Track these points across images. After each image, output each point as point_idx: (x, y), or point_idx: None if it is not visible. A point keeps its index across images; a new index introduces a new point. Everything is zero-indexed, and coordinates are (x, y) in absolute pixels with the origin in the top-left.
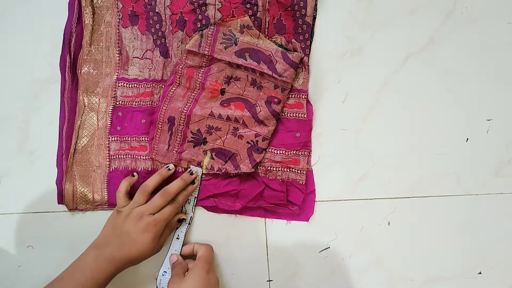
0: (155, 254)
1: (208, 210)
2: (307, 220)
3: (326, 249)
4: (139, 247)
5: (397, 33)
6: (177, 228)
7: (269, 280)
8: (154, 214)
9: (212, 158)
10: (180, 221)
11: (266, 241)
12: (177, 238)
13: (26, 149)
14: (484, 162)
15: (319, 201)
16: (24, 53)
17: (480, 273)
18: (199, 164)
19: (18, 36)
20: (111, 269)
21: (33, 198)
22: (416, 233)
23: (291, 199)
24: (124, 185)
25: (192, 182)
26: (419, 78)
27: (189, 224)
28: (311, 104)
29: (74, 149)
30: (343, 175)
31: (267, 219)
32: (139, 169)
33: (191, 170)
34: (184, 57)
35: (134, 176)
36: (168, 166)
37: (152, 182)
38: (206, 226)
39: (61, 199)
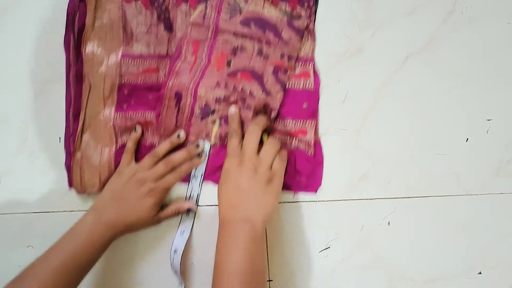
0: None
1: (216, 183)
2: (315, 191)
3: (326, 249)
4: (138, 213)
5: (397, 33)
6: (186, 214)
7: (269, 280)
8: (155, 181)
9: (220, 124)
10: (189, 211)
11: (266, 241)
12: (187, 215)
13: (26, 149)
14: (484, 162)
15: (319, 201)
16: (24, 53)
17: (480, 273)
18: (207, 136)
19: (18, 36)
20: (109, 234)
21: (33, 198)
22: (416, 233)
23: (299, 169)
24: (131, 143)
25: (199, 156)
26: (419, 78)
27: (197, 201)
28: (318, 74)
29: (82, 130)
30: (343, 175)
31: None
32: (147, 143)
33: (197, 143)
34: (188, 31)
35: (136, 131)
36: (179, 133)
37: (162, 148)
38: (206, 226)
39: (70, 184)
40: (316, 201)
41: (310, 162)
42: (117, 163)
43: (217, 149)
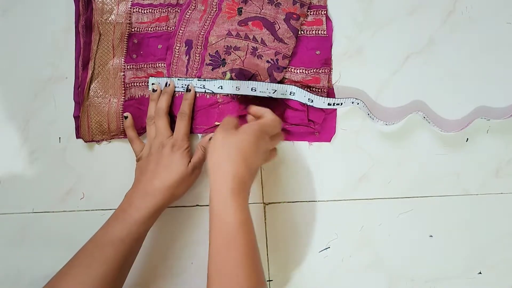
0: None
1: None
2: (329, 140)
3: (326, 249)
4: (174, 170)
5: (397, 33)
6: None
7: (269, 280)
8: (170, 138)
9: (231, 78)
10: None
11: (266, 241)
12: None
13: (26, 149)
14: (484, 162)
15: (319, 201)
16: (24, 53)
17: (480, 273)
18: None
19: (18, 35)
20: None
21: (33, 198)
22: (416, 233)
23: (312, 118)
24: (129, 132)
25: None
26: (419, 78)
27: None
28: (330, 20)
29: (91, 79)
30: (343, 175)
31: (267, 222)
32: None
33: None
34: None
35: (127, 118)
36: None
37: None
38: (206, 225)
39: (78, 134)
40: (316, 201)
41: (323, 111)
42: (125, 113)
43: (226, 101)
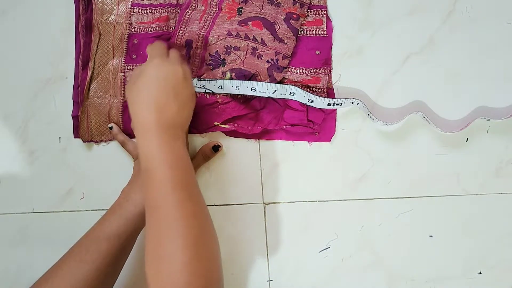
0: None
1: (227, 135)
2: (329, 140)
3: (326, 249)
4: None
5: (397, 33)
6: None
7: (269, 280)
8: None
9: (231, 78)
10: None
11: (266, 241)
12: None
13: (26, 149)
14: (484, 162)
15: (319, 201)
16: (24, 53)
17: (480, 273)
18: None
19: (18, 36)
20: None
21: (33, 198)
22: (416, 233)
23: (312, 118)
24: (119, 138)
25: None
26: (419, 78)
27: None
28: (330, 20)
29: (90, 79)
30: (343, 175)
31: (267, 222)
32: None
33: None
34: None
35: (112, 128)
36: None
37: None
38: None
39: (76, 133)
40: (316, 201)
41: (323, 111)
42: (124, 116)
43: (226, 101)
